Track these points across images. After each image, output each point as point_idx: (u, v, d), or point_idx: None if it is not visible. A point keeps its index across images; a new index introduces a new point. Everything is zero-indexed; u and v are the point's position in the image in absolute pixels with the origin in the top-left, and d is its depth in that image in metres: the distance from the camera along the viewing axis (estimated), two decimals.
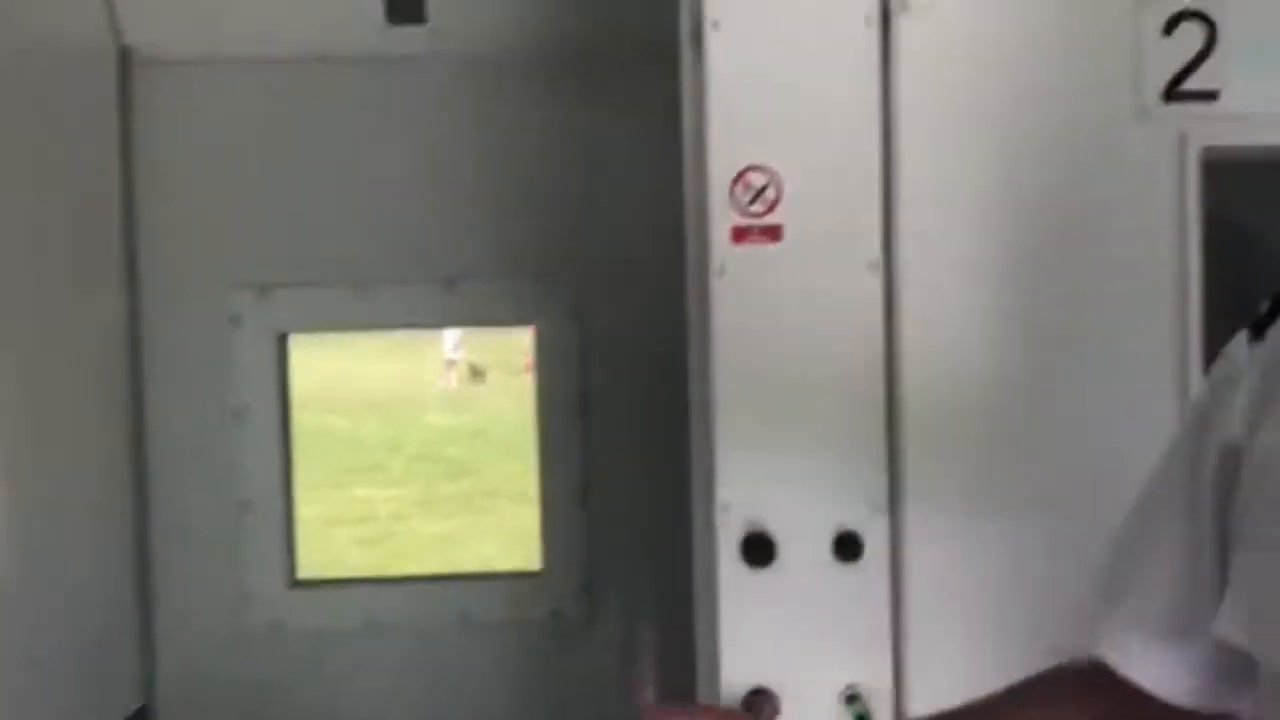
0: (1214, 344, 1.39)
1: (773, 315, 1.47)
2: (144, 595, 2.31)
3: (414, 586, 2.61)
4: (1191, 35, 1.45)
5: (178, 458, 2.29)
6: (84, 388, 2.13)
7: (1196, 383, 1.43)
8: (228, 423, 2.29)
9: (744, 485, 1.48)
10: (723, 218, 1.45)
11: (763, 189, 1.45)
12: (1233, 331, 0.99)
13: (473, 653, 2.41)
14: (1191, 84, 1.44)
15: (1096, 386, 1.47)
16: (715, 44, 1.43)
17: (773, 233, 1.46)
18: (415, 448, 11.43)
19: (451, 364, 14.94)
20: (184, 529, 2.32)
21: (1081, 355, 1.47)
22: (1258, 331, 0.91)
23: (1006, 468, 1.47)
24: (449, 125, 2.31)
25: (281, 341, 2.33)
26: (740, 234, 1.46)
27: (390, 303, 2.31)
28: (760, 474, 1.48)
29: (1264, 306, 0.91)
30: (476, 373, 14.61)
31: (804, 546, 1.47)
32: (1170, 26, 1.45)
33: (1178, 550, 0.96)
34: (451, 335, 14.87)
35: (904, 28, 1.42)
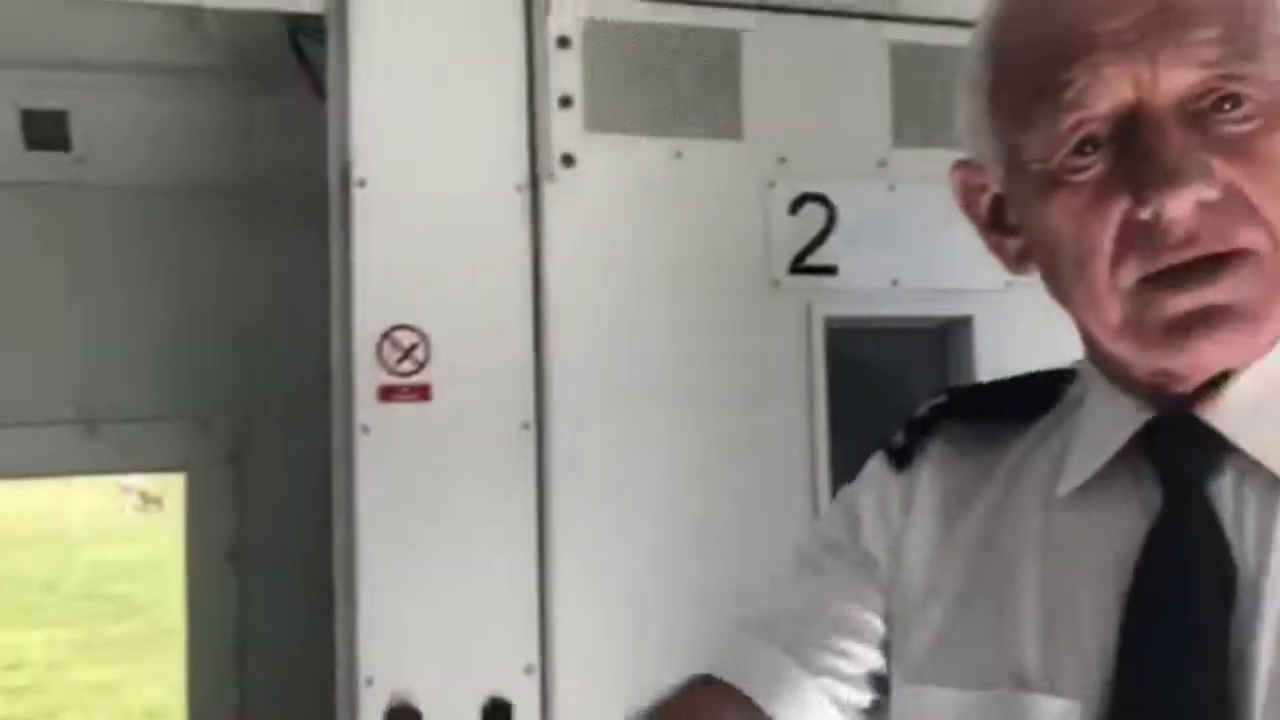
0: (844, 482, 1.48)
1: (422, 476, 1.44)
2: None
3: None
4: (814, 215, 1.58)
5: None
6: None
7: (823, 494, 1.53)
8: None
9: (389, 656, 1.42)
10: (369, 375, 1.42)
11: (412, 348, 1.43)
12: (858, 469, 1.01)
13: None
14: (814, 259, 1.56)
15: (738, 534, 1.52)
16: (362, 201, 1.41)
17: (422, 391, 1.43)
18: (76, 585, 10.41)
19: (126, 490, 13.81)
20: None
21: (727, 503, 1.53)
22: (901, 463, 0.92)
23: (656, 627, 1.49)
24: (94, 255, 2.16)
25: None
26: (388, 392, 1.42)
27: (18, 447, 2.10)
28: (406, 643, 1.43)
29: (899, 437, 0.92)
30: (150, 500, 13.55)
31: (452, 715, 1.42)
32: (796, 206, 1.57)
33: (837, 596, 0.93)
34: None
35: (551, 196, 1.46)
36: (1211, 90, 0.66)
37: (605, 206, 1.48)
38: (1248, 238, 0.66)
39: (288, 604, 2.22)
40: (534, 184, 1.46)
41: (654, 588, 1.49)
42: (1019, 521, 0.84)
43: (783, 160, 1.56)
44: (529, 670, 1.45)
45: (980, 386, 0.99)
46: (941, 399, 0.95)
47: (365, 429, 1.43)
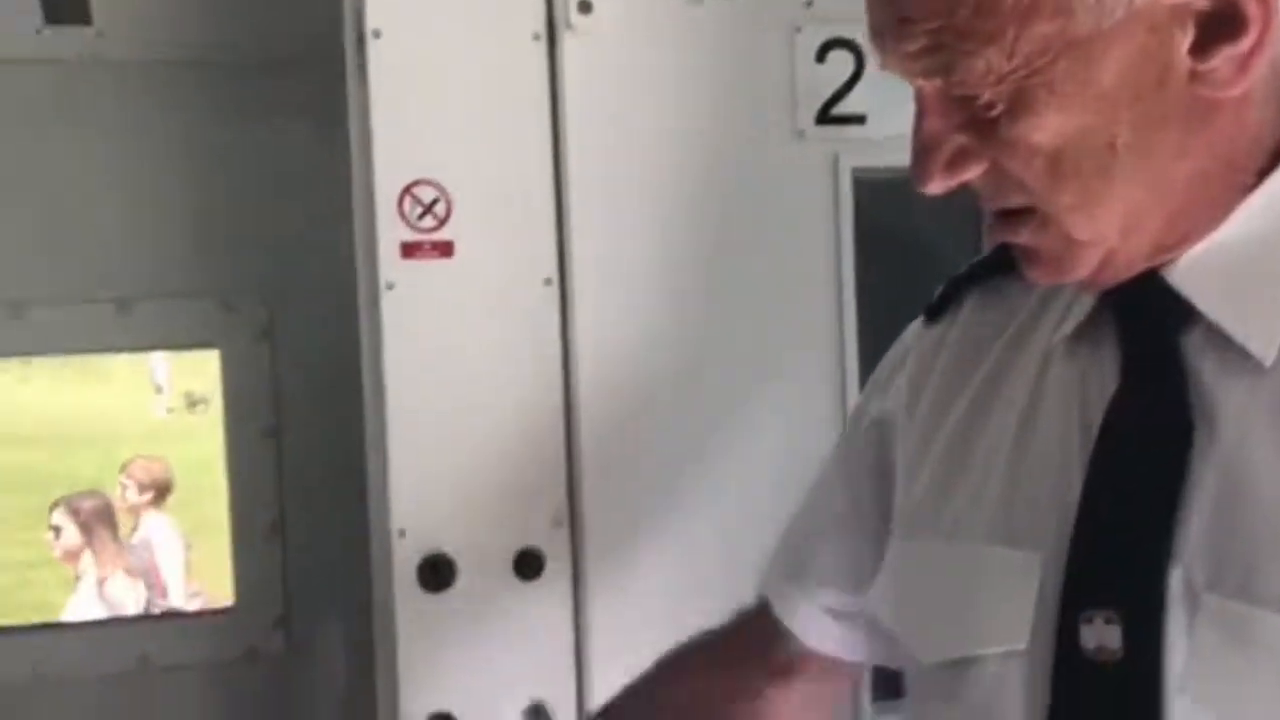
0: (870, 347, 1.48)
1: (446, 332, 1.44)
2: None
3: (88, 631, 2.41)
4: (842, 62, 1.54)
5: None
6: None
7: (852, 380, 1.52)
8: None
9: (421, 508, 1.45)
10: (391, 232, 1.42)
11: (433, 203, 1.42)
12: (886, 333, 1.04)
13: (159, 700, 2.24)
14: (842, 108, 1.52)
15: (762, 390, 1.52)
16: (377, 53, 1.39)
17: (444, 248, 1.43)
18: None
19: (160, 389, 14.01)
20: None
21: (748, 360, 1.52)
22: (932, 315, 0.96)
23: (681, 474, 1.50)
24: (120, 133, 2.16)
25: None
26: (410, 249, 1.42)
27: (54, 326, 2.13)
28: (437, 495, 1.45)
29: (938, 291, 0.96)
30: (193, 401, 13.78)
31: (484, 567, 1.45)
32: (822, 53, 1.53)
33: (839, 516, 1.01)
34: (159, 360, 13.99)
35: (569, 46, 1.43)
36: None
37: (624, 54, 1.45)
38: (1020, 200, 0.73)
39: (325, 476, 2.26)
40: (551, 32, 1.44)
41: (679, 437, 1.50)
42: (1018, 374, 0.86)
43: (808, 3, 1.52)
44: (557, 523, 1.48)
45: None
46: (988, 254, 0.96)
47: (389, 286, 1.43)
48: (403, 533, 1.44)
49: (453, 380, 1.44)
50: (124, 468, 5.72)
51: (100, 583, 4.61)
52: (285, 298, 2.21)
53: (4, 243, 2.11)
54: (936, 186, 0.74)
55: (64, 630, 2.46)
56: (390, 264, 1.42)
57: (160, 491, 5.68)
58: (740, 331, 1.52)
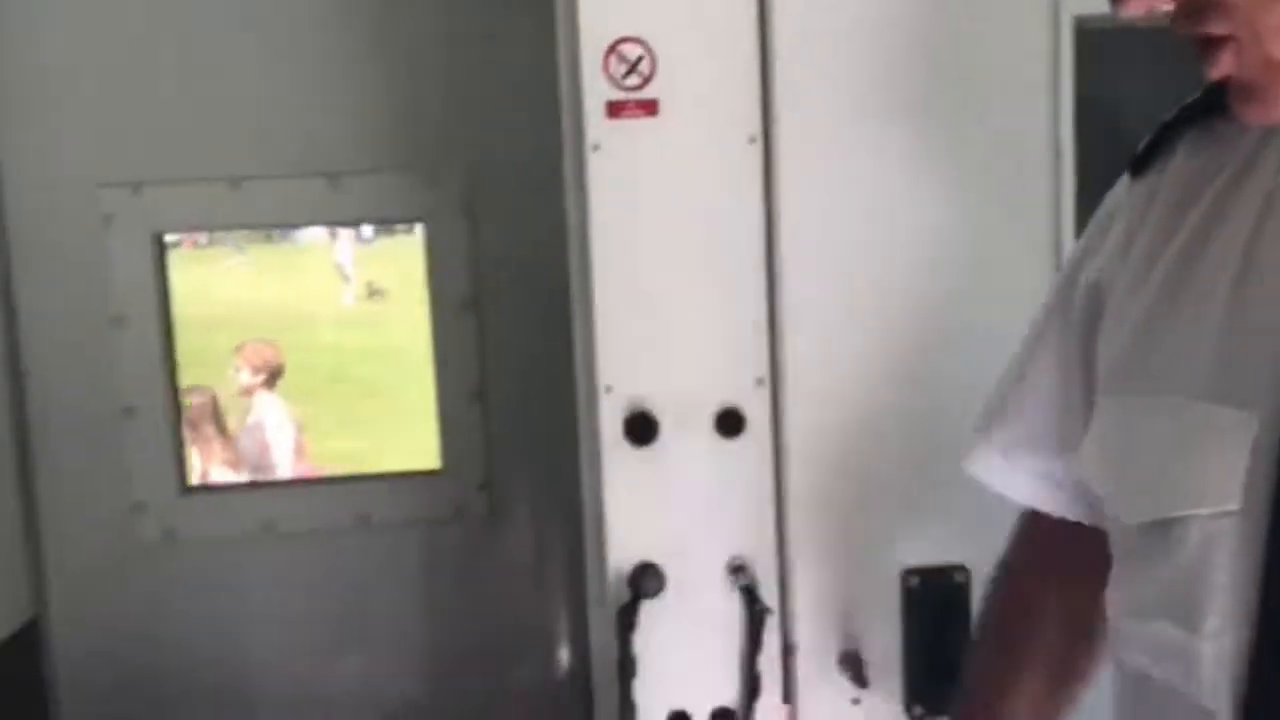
0: (1087, 203, 1.42)
1: (651, 191, 1.45)
2: (30, 506, 2.25)
3: (311, 489, 2.58)
4: None
5: (56, 364, 2.22)
6: None
7: (1068, 227, 1.46)
8: (106, 327, 2.22)
9: (625, 365, 1.48)
10: (597, 92, 1.42)
11: (637, 61, 1.42)
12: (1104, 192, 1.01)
13: (375, 554, 2.40)
14: None
15: (969, 255, 1.48)
16: None
17: (649, 106, 1.43)
18: (324, 368, 11.26)
19: (347, 279, 14.62)
20: (68, 438, 2.26)
21: (955, 226, 1.48)
22: (1138, 169, 0.93)
23: (884, 335, 1.48)
24: (331, 11, 2.23)
25: (158, 242, 2.25)
26: (616, 108, 1.43)
27: (270, 199, 2.24)
28: (641, 353, 1.48)
29: (1143, 144, 0.93)
30: (374, 291, 14.32)
31: (686, 424, 1.48)
32: None
33: (1047, 378, 1.00)
34: (344, 251, 14.58)
35: None
36: None
37: None
38: (1220, 26, 0.74)
39: (525, 345, 2.33)
40: None
41: (883, 297, 1.48)
42: (1234, 221, 0.81)
43: None
44: (760, 382, 1.48)
45: None
46: (1195, 97, 0.91)
47: (595, 147, 1.44)
48: (609, 389, 1.47)
49: (657, 239, 1.46)
50: (238, 350, 5.98)
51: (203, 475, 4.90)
52: (487, 170, 2.27)
53: (222, 121, 2.23)
54: (1136, 7, 0.72)
55: (290, 487, 2.63)
56: (596, 124, 1.43)
57: (272, 375, 5.95)
58: (948, 196, 1.48)
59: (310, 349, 11.95)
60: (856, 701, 1.52)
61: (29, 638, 2.21)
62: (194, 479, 2.39)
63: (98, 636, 2.30)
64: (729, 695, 1.52)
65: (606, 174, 1.44)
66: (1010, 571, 1.13)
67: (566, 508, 2.28)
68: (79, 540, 2.29)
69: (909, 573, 1.50)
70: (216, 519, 2.36)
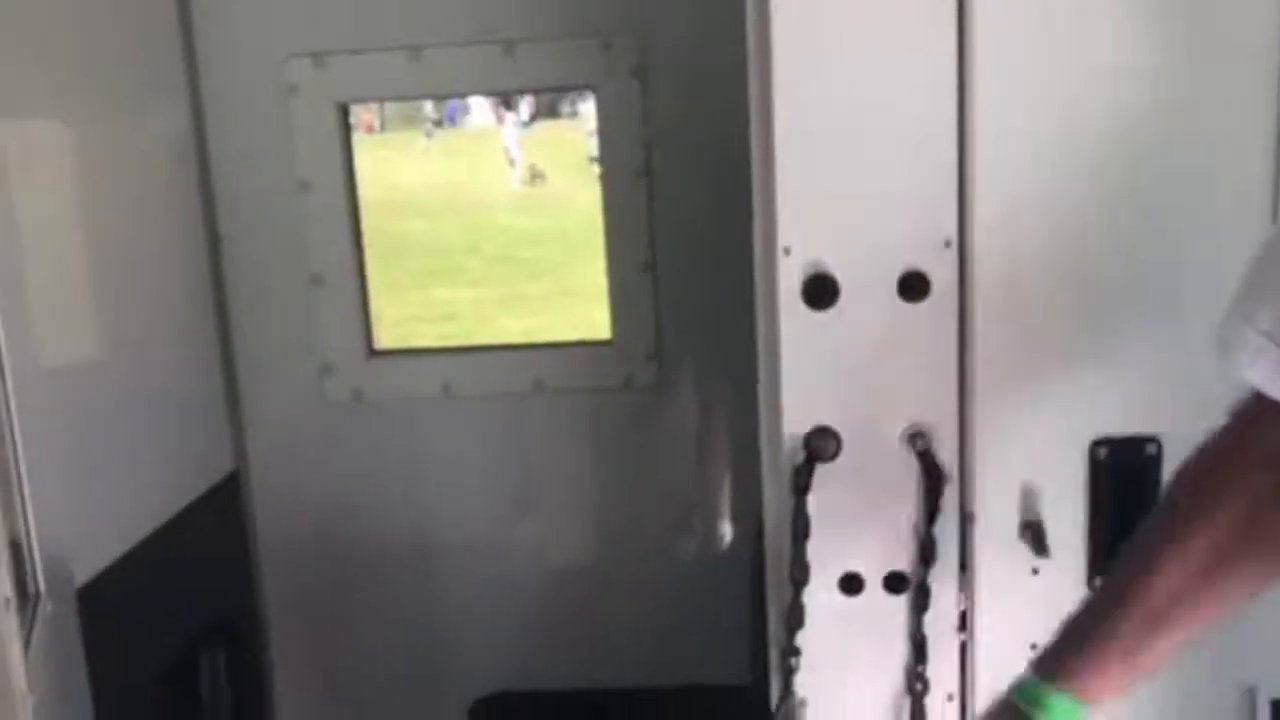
0: None
1: (836, 47, 1.40)
2: (229, 367, 2.39)
3: (490, 355, 2.66)
4: None
5: (249, 231, 2.32)
6: (154, 165, 2.15)
7: None
8: (294, 194, 2.30)
9: (805, 227, 1.45)
10: None
11: None
12: None
13: (547, 420, 2.47)
14: None
15: (1182, 88, 1.38)
16: None
17: None
18: (493, 249, 11.49)
19: (513, 163, 14.76)
20: (262, 303, 2.38)
21: (1167, 59, 1.37)
22: None
23: (1080, 192, 1.41)
24: None
25: (342, 111, 2.30)
26: None
27: (448, 68, 2.27)
28: (822, 214, 1.44)
29: None
30: (536, 174, 14.44)
31: (867, 287, 1.44)
32: None
33: None
34: (510, 134, 14.72)
35: None
36: None
37: None
38: None
39: (696, 214, 2.32)
40: None
41: (1077, 156, 1.40)
42: None
43: None
44: (946, 244, 1.44)
45: None
46: None
47: (778, 4, 1.39)
48: (787, 251, 1.45)
49: (842, 96, 1.41)
50: None
51: None
52: (659, 36, 2.23)
53: None
54: None
55: (469, 353, 2.72)
56: None
57: None
58: (1155, 38, 1.37)
59: (481, 231, 12.22)
60: (1035, 572, 1.50)
61: (231, 488, 2.36)
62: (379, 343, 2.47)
63: (292, 488, 2.45)
64: (902, 561, 1.52)
65: (790, 30, 1.40)
66: (1218, 450, 1.08)
67: (735, 377, 2.28)
68: (274, 399, 2.43)
69: (1098, 443, 1.45)
70: (400, 381, 2.45)
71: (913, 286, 1.44)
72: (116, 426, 1.85)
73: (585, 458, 2.50)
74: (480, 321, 9.22)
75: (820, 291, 1.44)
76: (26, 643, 1.11)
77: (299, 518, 2.45)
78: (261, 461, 2.43)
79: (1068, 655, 1.16)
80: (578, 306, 8.72)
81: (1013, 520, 1.50)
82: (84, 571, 1.65)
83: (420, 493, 2.47)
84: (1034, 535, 1.48)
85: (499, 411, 2.46)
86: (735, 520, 2.50)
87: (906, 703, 1.55)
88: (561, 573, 2.54)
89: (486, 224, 12.59)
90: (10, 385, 1.28)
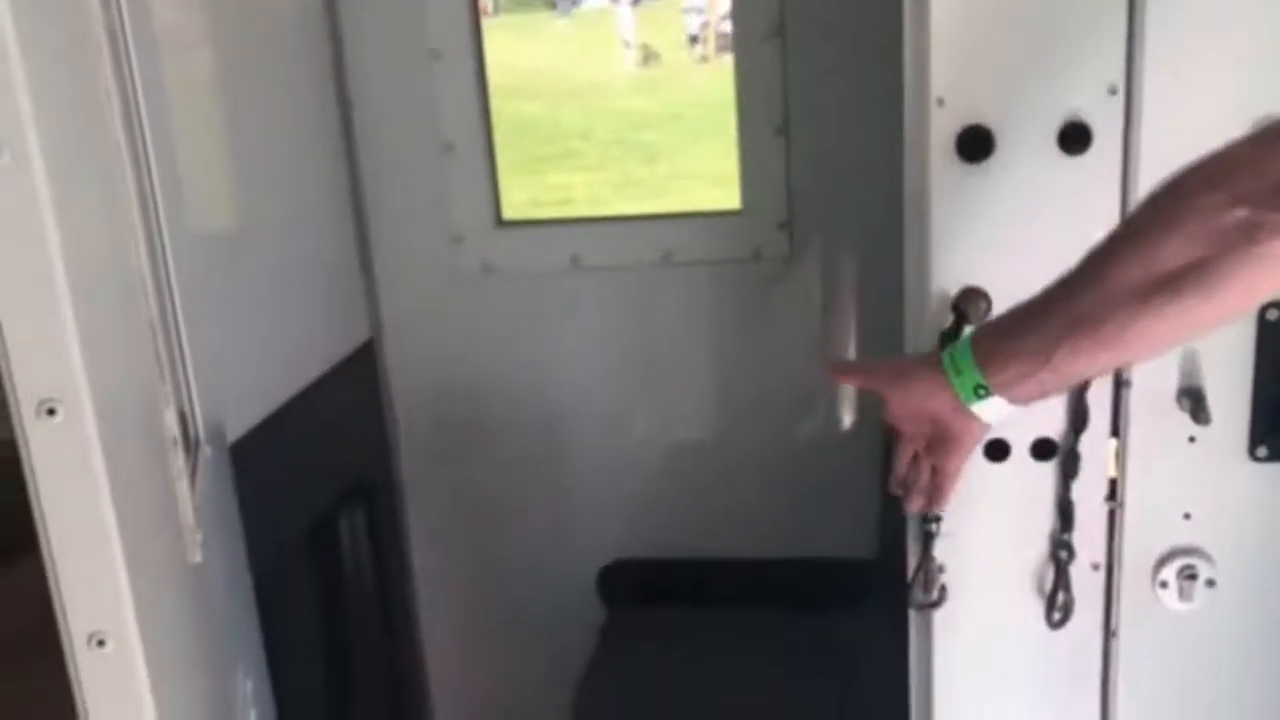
0: None
1: None
2: (363, 238, 2.42)
3: (618, 226, 2.64)
4: None
5: (379, 96, 2.32)
6: (286, 31, 2.15)
7: None
8: (424, 63, 2.29)
9: (960, 75, 1.38)
10: None
11: None
12: None
13: (675, 291, 2.45)
14: None
15: None
16: None
17: None
18: (607, 133, 11.40)
19: (628, 46, 14.51)
20: (393, 172, 2.39)
21: None
22: None
23: (1263, 35, 1.31)
24: None
25: None
26: None
27: None
28: (979, 61, 1.37)
29: None
30: (650, 55, 14.16)
31: (1025, 138, 1.38)
32: None
33: None
34: (625, 14, 14.43)
35: None
36: None
37: None
38: None
39: (831, 79, 2.24)
40: None
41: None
42: None
43: None
44: (1112, 91, 1.35)
45: None
46: None
47: None
48: (940, 101, 1.38)
49: None
50: None
51: None
52: None
53: None
54: None
55: (597, 224, 2.71)
56: None
57: None
58: None
59: (595, 114, 12.12)
60: (1192, 440, 1.44)
61: (367, 356, 2.41)
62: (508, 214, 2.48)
63: (424, 358, 2.49)
64: (1053, 427, 1.47)
65: None
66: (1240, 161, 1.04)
67: (870, 246, 2.23)
68: (406, 270, 2.46)
69: (1269, 305, 1.37)
70: (529, 252, 2.46)
71: (1073, 138, 1.37)
72: (258, 295, 1.89)
73: (713, 330, 2.48)
74: (594, 207, 9.20)
75: (975, 144, 1.38)
76: (191, 484, 1.15)
77: (432, 387, 2.50)
78: (395, 331, 2.47)
79: (995, 335, 1.21)
80: (694, 190, 8.64)
81: (1171, 386, 1.44)
82: (233, 429, 1.71)
83: (548, 363, 2.49)
84: (1193, 402, 1.42)
85: (627, 283, 2.45)
86: (864, 394, 2.47)
87: (1049, 571, 1.52)
88: (686, 444, 2.55)
89: (600, 107, 12.47)
90: (170, 249, 1.30)
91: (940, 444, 1.28)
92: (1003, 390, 1.19)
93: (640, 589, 2.55)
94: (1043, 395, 1.19)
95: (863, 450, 2.26)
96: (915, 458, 1.32)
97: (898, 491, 1.37)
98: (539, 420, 2.50)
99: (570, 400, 2.50)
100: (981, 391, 1.20)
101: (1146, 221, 1.08)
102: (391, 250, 2.43)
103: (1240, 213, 0.99)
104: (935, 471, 1.31)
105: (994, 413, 1.22)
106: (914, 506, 1.36)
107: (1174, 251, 1.03)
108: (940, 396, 1.22)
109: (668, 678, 2.30)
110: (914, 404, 1.27)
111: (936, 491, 1.33)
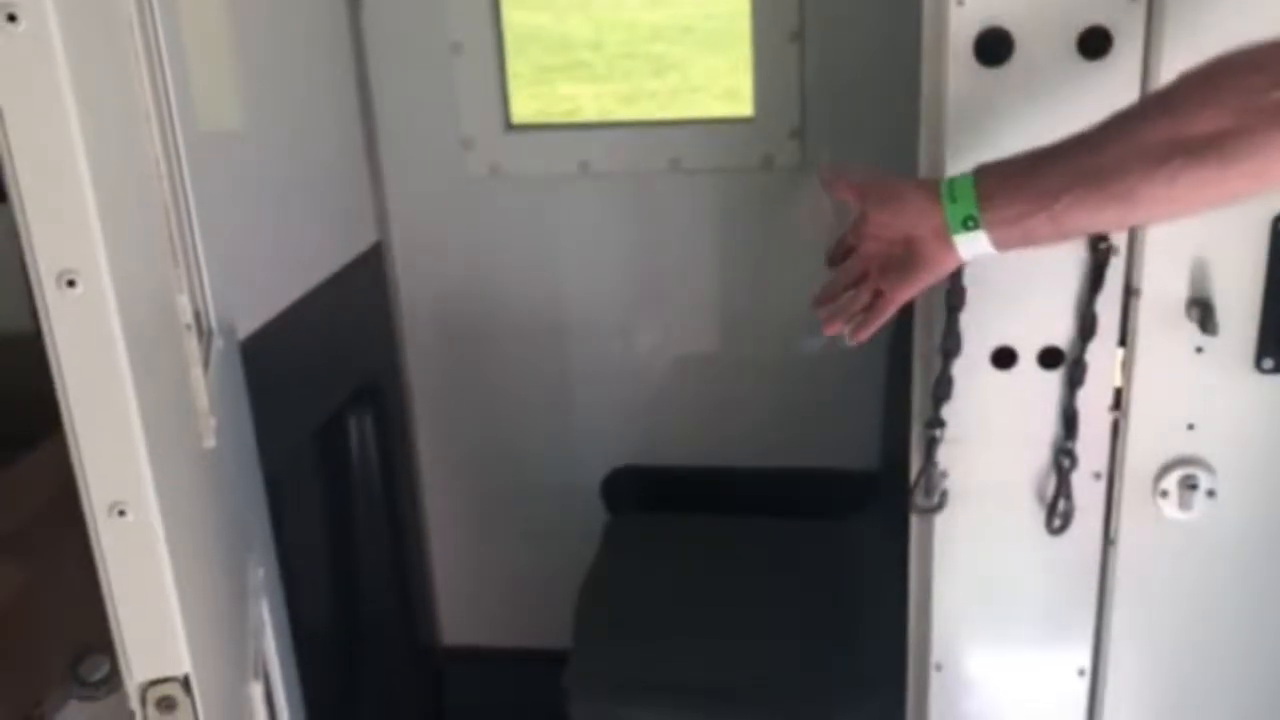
0: None
1: None
2: (371, 140, 2.40)
3: (627, 131, 2.62)
4: None
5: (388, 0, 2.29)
6: None
7: None
8: None
9: None
10: None
11: None
12: None
13: (684, 198, 2.44)
14: None
15: None
16: None
17: None
18: (617, 45, 11.22)
19: None
20: (401, 72, 2.36)
21: None
22: None
23: None
24: None
25: None
26: None
27: None
28: None
29: None
30: None
31: (1045, 42, 1.36)
32: None
33: None
34: None
35: None
36: None
37: None
38: None
39: None
40: None
41: None
42: None
43: None
44: None
45: None
46: None
47: None
48: (960, 2, 1.36)
49: None
50: None
51: None
52: None
53: None
54: None
55: (605, 129, 2.68)
56: None
57: None
58: None
59: (604, 25, 11.91)
60: (1200, 350, 1.45)
61: (376, 257, 2.41)
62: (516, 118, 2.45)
63: (432, 261, 2.49)
64: (1060, 335, 1.48)
65: None
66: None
67: (882, 158, 2.21)
68: (414, 172, 2.44)
69: None
70: (538, 156, 2.44)
71: (1094, 42, 1.35)
72: (267, 195, 1.88)
73: (721, 238, 2.47)
74: (604, 117, 9.08)
75: (994, 45, 1.36)
76: (204, 371, 1.16)
77: (439, 290, 2.50)
78: (404, 233, 2.47)
79: (1002, 173, 1.19)
80: (704, 103, 8.52)
81: (1180, 296, 1.44)
82: (243, 328, 1.72)
83: (555, 268, 2.49)
84: (1201, 312, 1.42)
85: (635, 190, 2.43)
86: None
87: (1051, 479, 1.53)
88: (692, 353, 2.57)
89: (610, 18, 12.25)
90: (182, 145, 1.30)
91: (901, 268, 1.25)
92: (992, 228, 1.17)
93: (643, 496, 2.58)
94: (1025, 244, 1.17)
95: (868, 362, 2.27)
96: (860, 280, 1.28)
97: (820, 313, 1.32)
98: (545, 324, 2.51)
99: (576, 306, 2.50)
100: (970, 223, 1.18)
101: (1182, 92, 1.07)
102: (400, 153, 2.41)
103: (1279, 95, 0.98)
104: (878, 295, 1.28)
105: (973, 248, 1.20)
106: (833, 330, 1.31)
107: (1204, 120, 1.03)
108: (927, 221, 1.20)
109: (669, 581, 2.34)
110: (898, 224, 1.24)
111: (871, 316, 1.29)
